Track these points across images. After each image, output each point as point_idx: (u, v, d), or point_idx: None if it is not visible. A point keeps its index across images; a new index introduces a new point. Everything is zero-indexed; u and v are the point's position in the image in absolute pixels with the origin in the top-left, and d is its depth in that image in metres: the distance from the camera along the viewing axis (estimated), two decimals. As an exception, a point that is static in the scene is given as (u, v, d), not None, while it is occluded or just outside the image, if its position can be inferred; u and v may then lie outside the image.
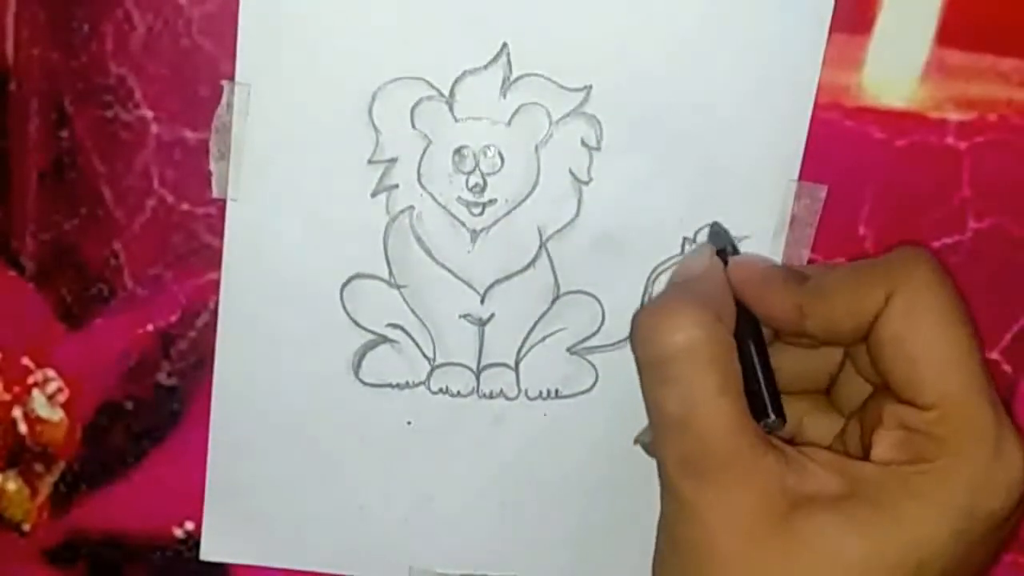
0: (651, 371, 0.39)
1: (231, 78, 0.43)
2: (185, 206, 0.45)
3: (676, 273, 0.44)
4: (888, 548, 0.36)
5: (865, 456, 0.39)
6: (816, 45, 0.43)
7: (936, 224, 0.45)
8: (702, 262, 0.43)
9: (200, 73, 0.43)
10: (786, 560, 0.36)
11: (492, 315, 0.46)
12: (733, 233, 0.45)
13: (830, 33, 0.43)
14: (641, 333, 0.39)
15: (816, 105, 0.44)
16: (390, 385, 0.47)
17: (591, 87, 0.43)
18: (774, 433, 0.39)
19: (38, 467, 0.48)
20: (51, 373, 0.47)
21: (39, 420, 0.47)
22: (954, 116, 0.44)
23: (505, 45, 0.43)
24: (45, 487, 0.48)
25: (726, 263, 0.43)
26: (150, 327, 0.46)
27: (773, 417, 0.40)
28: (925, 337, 0.37)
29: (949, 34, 0.43)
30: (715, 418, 0.37)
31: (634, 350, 0.40)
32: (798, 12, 0.43)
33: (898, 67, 0.44)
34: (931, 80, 0.44)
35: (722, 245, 0.44)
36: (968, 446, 0.36)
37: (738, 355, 0.39)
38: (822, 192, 0.45)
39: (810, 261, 0.45)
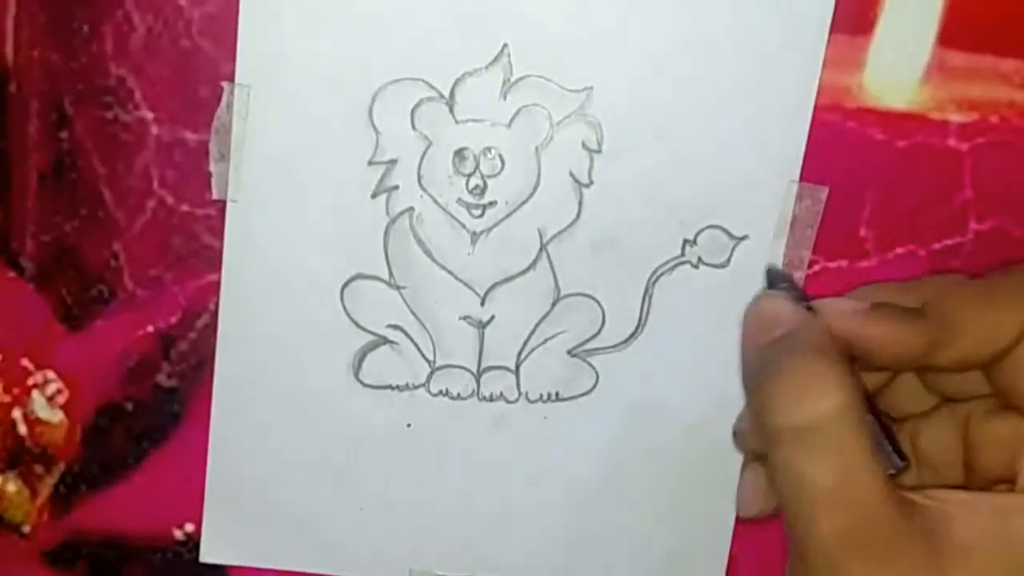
0: (794, 442, 0.35)
1: (231, 79, 0.43)
2: (185, 207, 0.45)
3: (755, 327, 0.40)
4: None
5: (962, 472, 0.39)
6: (816, 46, 0.43)
7: (937, 226, 0.45)
8: (787, 313, 0.39)
9: (200, 74, 0.43)
10: None
11: (492, 317, 0.46)
12: (734, 233, 0.45)
13: (831, 34, 0.43)
14: (778, 401, 0.36)
15: (817, 106, 0.44)
16: (390, 387, 0.47)
17: (592, 89, 0.43)
18: (898, 476, 0.38)
19: (38, 468, 0.48)
20: (51, 374, 0.47)
21: (39, 421, 0.47)
22: (955, 117, 0.44)
23: (505, 46, 0.43)
24: (45, 488, 0.48)
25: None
26: (150, 328, 0.46)
27: (902, 463, 0.38)
28: None
29: (951, 35, 0.43)
30: (873, 485, 0.34)
31: (765, 420, 0.36)
32: (798, 13, 0.43)
33: (899, 68, 0.44)
34: (932, 81, 0.44)
35: (778, 286, 0.43)
36: None
37: None
38: (823, 193, 0.45)
39: (811, 263, 0.45)
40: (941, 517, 0.34)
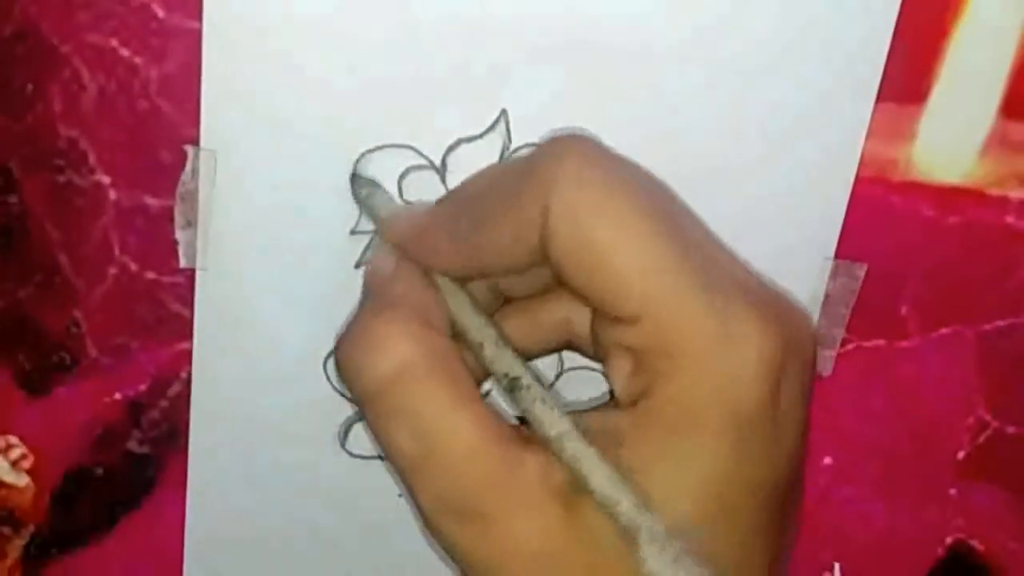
0: (371, 408, 0.32)
1: (195, 142, 0.38)
2: (151, 275, 0.40)
3: (365, 284, 0.38)
4: (682, 495, 0.30)
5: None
6: (861, 114, 0.38)
7: (988, 306, 0.41)
8: (388, 261, 0.36)
9: (160, 137, 0.38)
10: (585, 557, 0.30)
11: (489, 391, 0.42)
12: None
13: (878, 102, 0.37)
14: (347, 369, 0.33)
15: (859, 179, 0.39)
16: (380, 457, 0.43)
17: (601, 159, 0.38)
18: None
19: (6, 530, 0.45)
20: (13, 439, 0.43)
21: (3, 485, 0.44)
22: (1016, 194, 0.39)
23: (504, 112, 0.38)
24: (14, 550, 0.45)
25: None
26: (117, 396, 0.42)
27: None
28: (597, 240, 0.30)
29: (1015, 105, 0.38)
30: (459, 441, 0.31)
31: (348, 390, 0.33)
32: (840, 78, 0.37)
33: (955, 140, 0.38)
34: (992, 154, 0.38)
35: (376, 205, 0.37)
36: (696, 346, 0.29)
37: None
38: (861, 271, 0.40)
39: (844, 341, 0.41)
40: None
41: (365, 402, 0.32)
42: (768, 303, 0.31)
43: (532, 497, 0.31)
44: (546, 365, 0.42)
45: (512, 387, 0.33)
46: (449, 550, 0.32)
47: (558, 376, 0.42)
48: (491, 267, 0.33)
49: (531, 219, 0.31)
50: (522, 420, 0.33)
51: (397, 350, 0.31)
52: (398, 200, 0.39)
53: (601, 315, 0.32)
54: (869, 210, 0.39)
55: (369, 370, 0.32)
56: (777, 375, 0.30)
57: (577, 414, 0.33)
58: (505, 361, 0.33)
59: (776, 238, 0.39)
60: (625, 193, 0.30)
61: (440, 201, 0.36)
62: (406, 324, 0.32)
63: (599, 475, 0.30)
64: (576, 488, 0.31)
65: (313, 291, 0.40)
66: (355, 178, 0.39)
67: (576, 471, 0.31)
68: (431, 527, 0.32)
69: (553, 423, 0.32)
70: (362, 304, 0.37)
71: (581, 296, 0.32)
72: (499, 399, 0.39)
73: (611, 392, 0.33)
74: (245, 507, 0.44)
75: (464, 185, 0.37)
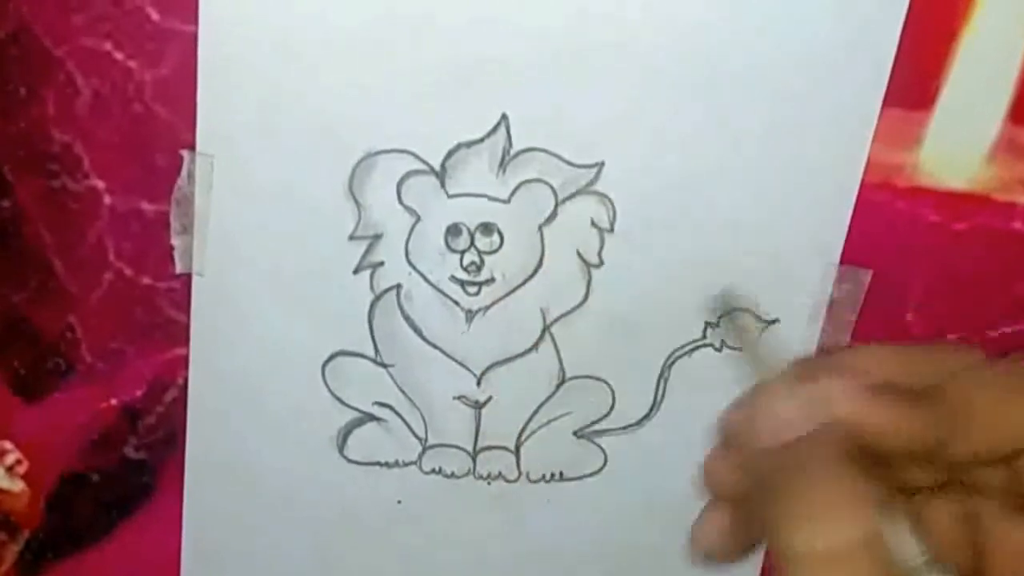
0: (814, 568, 0.30)
1: (191, 147, 0.37)
2: (146, 280, 0.40)
3: (761, 426, 0.33)
4: None
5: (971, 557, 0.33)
6: (867, 120, 0.37)
7: (994, 313, 0.40)
8: (797, 415, 0.33)
9: (156, 142, 0.38)
10: None
11: (490, 398, 0.41)
12: (763, 317, 0.40)
13: (884, 108, 0.37)
14: (799, 524, 0.30)
15: (865, 184, 0.38)
16: (378, 463, 0.43)
17: (602, 164, 0.38)
18: None
19: (1, 536, 0.45)
20: (8, 445, 0.43)
21: (-1, 490, 0.44)
22: (1023, 199, 0.38)
23: (504, 116, 0.37)
24: (10, 555, 0.45)
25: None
26: (113, 401, 0.42)
27: None
28: None
29: (1023, 111, 0.37)
30: None
31: (781, 539, 0.30)
32: (846, 84, 0.37)
33: (962, 145, 0.38)
34: (999, 160, 0.38)
35: (749, 337, 0.37)
36: None
37: None
38: (866, 276, 0.39)
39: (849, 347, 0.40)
40: None
41: (810, 557, 0.30)
42: None
43: None
44: (547, 373, 0.41)
45: None
46: None
47: (559, 384, 0.41)
48: (954, 457, 0.32)
49: None
50: None
51: (865, 519, 0.30)
52: (398, 204, 0.38)
53: None
54: (875, 215, 0.38)
55: (833, 532, 0.30)
56: None
57: None
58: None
59: (781, 243, 0.39)
60: None
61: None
62: (868, 490, 0.30)
63: None
64: None
65: (310, 296, 0.40)
66: (723, 297, 0.37)
67: None
68: None
69: None
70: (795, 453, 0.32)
71: None
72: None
73: None
74: (242, 512, 0.44)
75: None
